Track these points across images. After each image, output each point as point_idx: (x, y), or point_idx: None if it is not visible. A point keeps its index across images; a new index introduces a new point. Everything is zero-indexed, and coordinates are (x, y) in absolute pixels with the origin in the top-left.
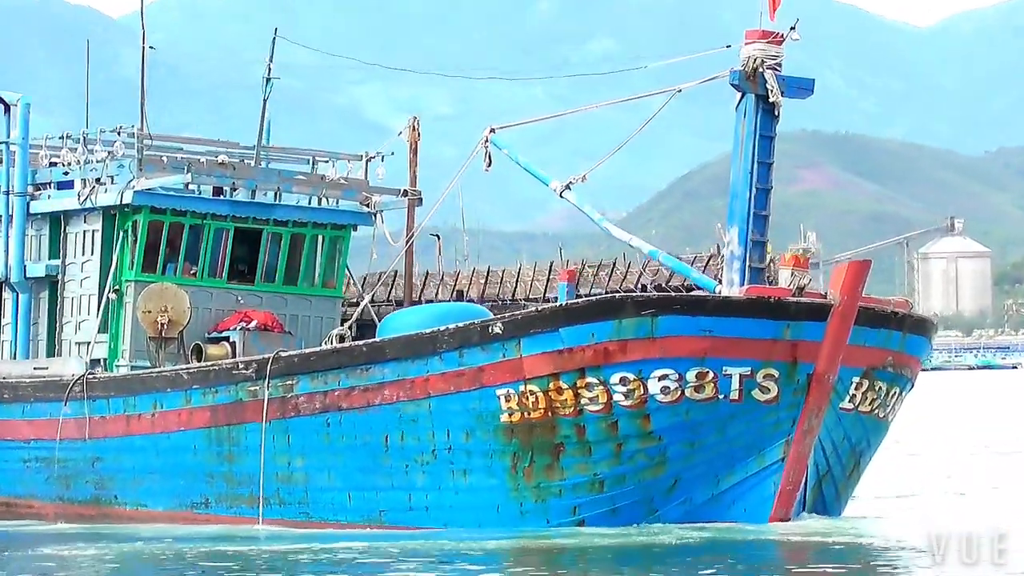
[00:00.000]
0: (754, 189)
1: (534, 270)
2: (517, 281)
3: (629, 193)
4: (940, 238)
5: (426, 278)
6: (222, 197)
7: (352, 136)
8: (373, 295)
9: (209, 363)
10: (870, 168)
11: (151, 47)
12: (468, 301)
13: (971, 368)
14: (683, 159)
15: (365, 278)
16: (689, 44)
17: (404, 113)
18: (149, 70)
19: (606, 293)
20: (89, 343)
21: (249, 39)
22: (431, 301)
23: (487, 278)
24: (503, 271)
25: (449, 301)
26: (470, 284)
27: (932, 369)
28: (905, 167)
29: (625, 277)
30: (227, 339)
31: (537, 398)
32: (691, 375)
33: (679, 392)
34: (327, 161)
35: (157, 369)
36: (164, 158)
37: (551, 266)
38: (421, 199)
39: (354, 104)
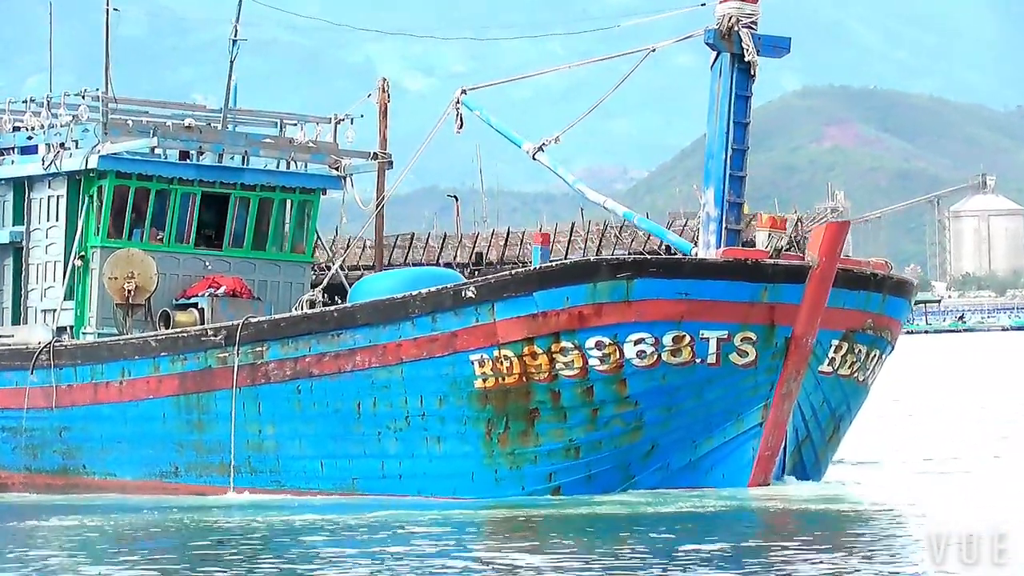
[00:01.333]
0: (730, 150)
1: (555, 231)
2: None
3: (653, 152)
4: (971, 196)
5: (444, 240)
6: (188, 161)
7: (365, 95)
8: (343, 260)
9: (177, 330)
10: (898, 124)
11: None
12: (487, 263)
13: (1005, 329)
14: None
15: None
16: None
17: (418, 72)
18: (157, 30)
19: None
20: (55, 310)
21: None
22: (449, 264)
23: (506, 239)
24: (523, 232)
25: (468, 263)
26: (489, 246)
27: (965, 330)
28: (934, 123)
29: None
30: (195, 305)
31: (511, 363)
32: (667, 339)
33: (655, 356)
34: (295, 124)
35: (124, 336)
36: (129, 122)
37: (572, 227)
38: (392, 162)
39: (367, 62)
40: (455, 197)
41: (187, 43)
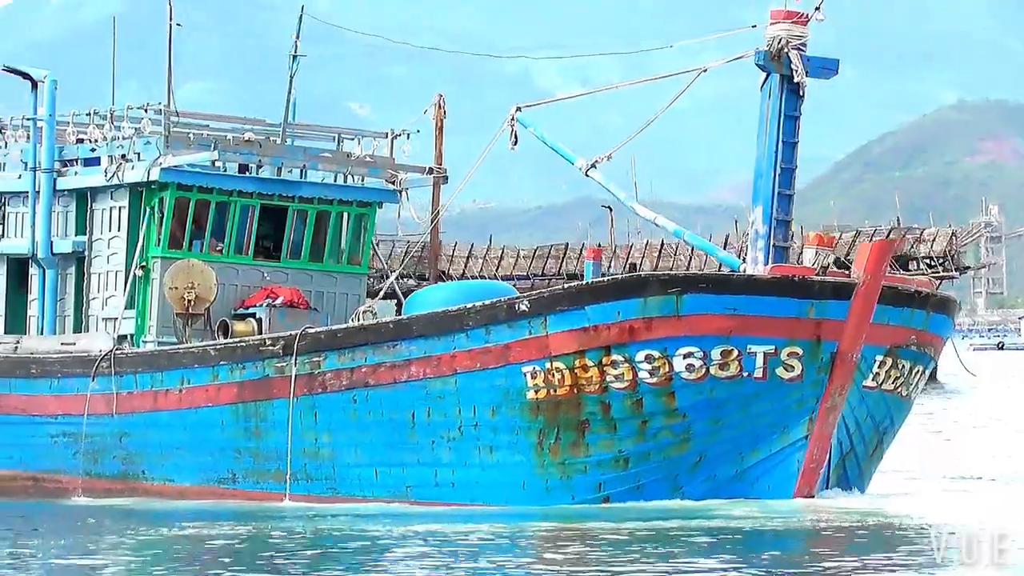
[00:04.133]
0: (778, 169)
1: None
2: (692, 254)
3: (808, 164)
4: None
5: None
6: (248, 174)
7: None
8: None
9: (236, 339)
10: None
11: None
12: (640, 273)
13: None
14: (863, 130)
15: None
16: None
17: (575, 81)
18: (309, 38)
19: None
20: (116, 319)
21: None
22: (605, 275)
23: (660, 251)
24: (677, 244)
25: (622, 274)
26: (643, 257)
27: None
28: None
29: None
30: (253, 316)
31: (563, 375)
32: (716, 353)
33: (704, 370)
34: (353, 138)
35: (184, 345)
36: (191, 135)
37: (726, 239)
38: (447, 177)
39: (523, 72)
40: (610, 208)
41: (340, 51)
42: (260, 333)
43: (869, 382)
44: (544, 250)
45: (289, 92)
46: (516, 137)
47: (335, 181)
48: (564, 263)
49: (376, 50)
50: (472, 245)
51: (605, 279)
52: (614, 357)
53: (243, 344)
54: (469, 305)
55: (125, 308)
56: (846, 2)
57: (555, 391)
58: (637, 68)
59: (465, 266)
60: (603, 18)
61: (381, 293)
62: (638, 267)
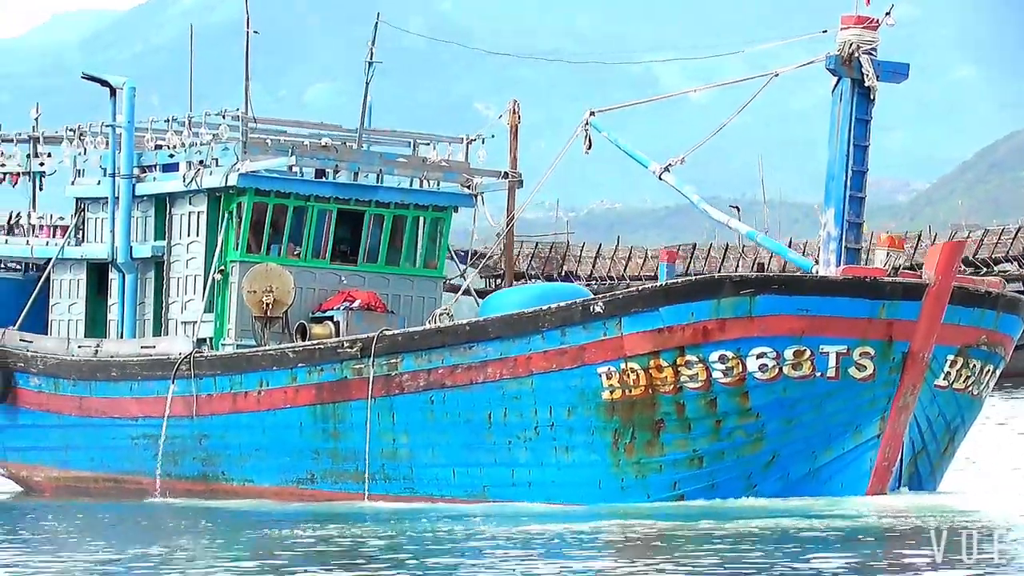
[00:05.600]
0: (850, 172)
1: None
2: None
3: (934, 164)
4: None
5: (725, 251)
6: (325, 179)
7: (647, 107)
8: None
9: (314, 342)
10: None
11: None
12: (713, 275)
13: None
14: (989, 129)
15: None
16: None
17: (700, 82)
18: (437, 41)
19: None
20: (195, 322)
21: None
22: (681, 275)
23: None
24: (804, 243)
25: (751, 274)
26: (771, 257)
27: None
28: None
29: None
30: (331, 319)
31: (638, 376)
32: (789, 353)
33: (777, 370)
34: (428, 143)
35: (262, 348)
36: (268, 141)
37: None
38: (522, 181)
39: (647, 73)
40: (737, 208)
41: (467, 53)
42: (337, 336)
43: (940, 381)
44: (682, 249)
45: (365, 97)
46: (591, 142)
47: (411, 186)
48: (692, 263)
49: (501, 55)
50: (600, 245)
51: (679, 280)
52: (688, 357)
53: (321, 346)
54: (545, 307)
55: (204, 312)
56: (968, 2)
57: (630, 391)
58: (760, 67)
59: (593, 266)
60: (724, 18)
61: (457, 297)
62: (766, 267)
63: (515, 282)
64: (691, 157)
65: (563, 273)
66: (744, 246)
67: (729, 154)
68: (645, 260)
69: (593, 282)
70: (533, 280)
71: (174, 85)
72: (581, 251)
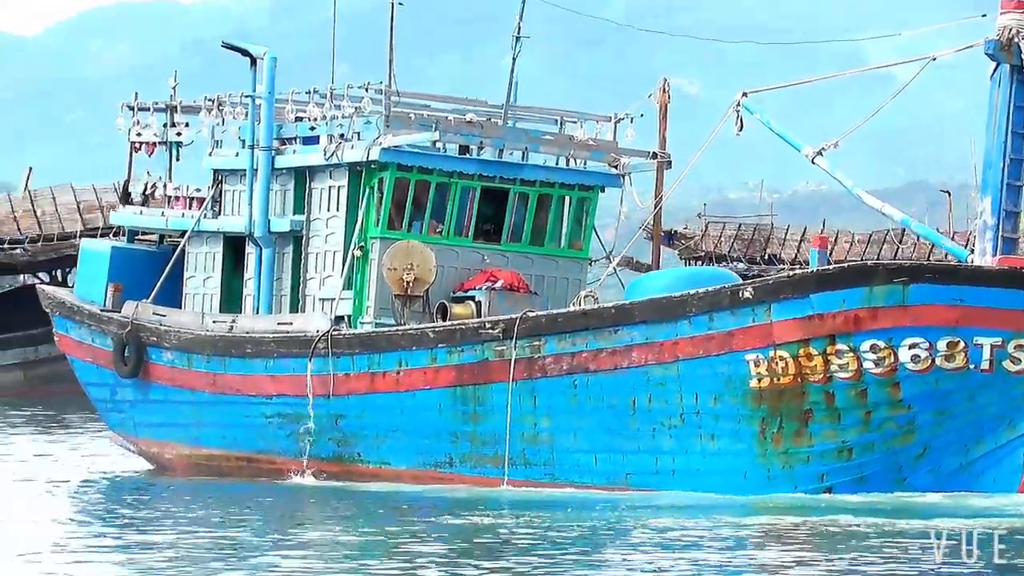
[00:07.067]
0: (1008, 160)
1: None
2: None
3: None
4: None
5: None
6: (468, 156)
7: (852, 82)
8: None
9: (455, 322)
10: None
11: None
12: (867, 262)
13: None
14: None
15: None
16: None
17: (910, 59)
18: (637, 13)
19: None
20: (333, 299)
21: None
22: (940, 260)
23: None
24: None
25: (905, 261)
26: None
27: None
28: None
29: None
30: (472, 298)
31: (787, 364)
32: (941, 344)
33: (929, 361)
34: (575, 122)
35: (402, 327)
36: (411, 115)
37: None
38: (671, 162)
39: (855, 51)
40: (948, 192)
41: (665, 26)
42: (479, 316)
43: None
44: (880, 235)
45: (512, 72)
46: (742, 123)
47: (557, 164)
48: (900, 250)
49: (702, 28)
50: (805, 229)
51: (831, 267)
52: (839, 346)
53: (462, 327)
54: (692, 291)
55: (343, 289)
56: None
57: (778, 380)
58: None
59: (797, 250)
60: None
61: (603, 279)
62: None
63: (716, 265)
64: (902, 139)
65: (766, 256)
66: (955, 232)
67: (942, 138)
68: (852, 244)
69: (797, 266)
70: (736, 263)
71: (367, 55)
72: (786, 234)
